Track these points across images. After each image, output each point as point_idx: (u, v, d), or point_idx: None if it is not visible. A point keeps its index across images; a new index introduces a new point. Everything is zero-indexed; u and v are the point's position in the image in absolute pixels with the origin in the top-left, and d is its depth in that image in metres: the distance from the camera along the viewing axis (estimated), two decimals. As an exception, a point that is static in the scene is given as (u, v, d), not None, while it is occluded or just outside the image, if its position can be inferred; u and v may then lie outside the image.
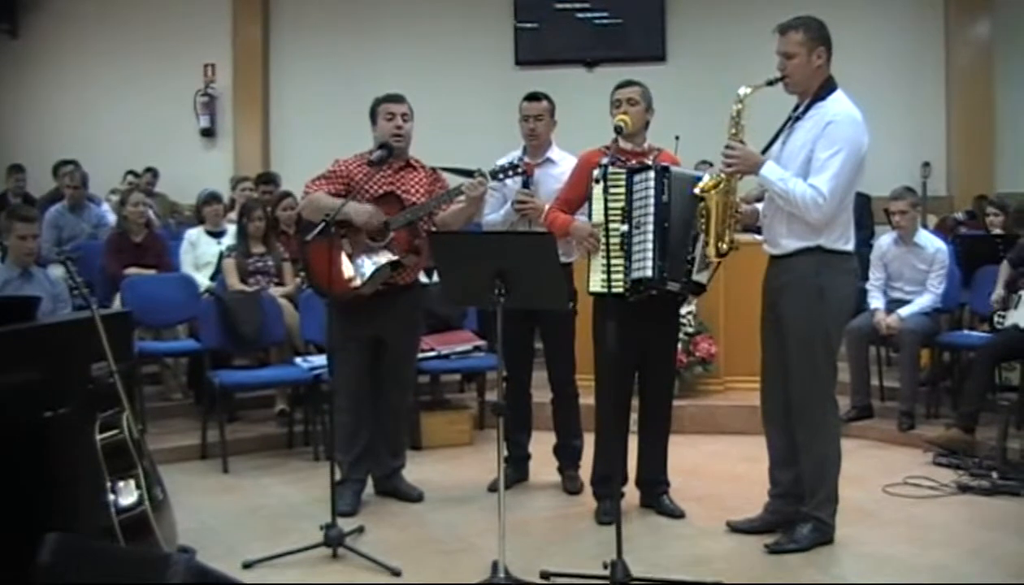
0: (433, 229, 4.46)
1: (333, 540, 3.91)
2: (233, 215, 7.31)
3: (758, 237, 4.20)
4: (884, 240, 6.19)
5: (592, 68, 10.24)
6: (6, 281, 5.21)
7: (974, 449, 5.19)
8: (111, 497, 3.41)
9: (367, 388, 4.57)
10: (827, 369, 3.92)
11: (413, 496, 4.71)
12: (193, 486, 4.94)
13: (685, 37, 10.16)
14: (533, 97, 4.87)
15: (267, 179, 8.26)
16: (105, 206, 8.51)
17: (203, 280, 6.59)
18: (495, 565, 3.47)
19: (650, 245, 3.97)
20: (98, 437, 3.48)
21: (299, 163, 8.59)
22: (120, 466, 3.48)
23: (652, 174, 4.02)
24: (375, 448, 4.64)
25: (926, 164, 9.57)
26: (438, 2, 10.48)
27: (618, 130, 4.19)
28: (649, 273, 3.98)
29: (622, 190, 4.05)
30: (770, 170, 3.82)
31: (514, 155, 4.73)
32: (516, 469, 4.93)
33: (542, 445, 4.97)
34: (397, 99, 4.59)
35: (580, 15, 10.34)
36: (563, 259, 4.15)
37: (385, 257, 4.40)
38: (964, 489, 4.73)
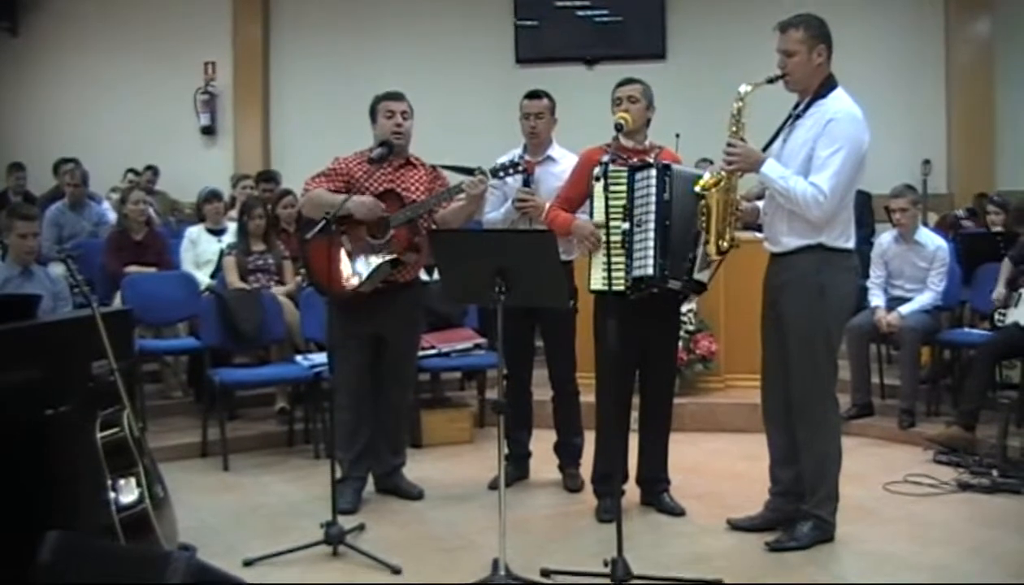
0: (433, 227, 4.46)
1: (333, 538, 3.91)
2: (233, 213, 7.31)
3: (759, 235, 4.20)
4: (885, 238, 6.19)
5: (592, 66, 10.23)
6: (7, 279, 5.21)
7: (974, 447, 5.18)
8: (112, 495, 3.40)
9: (367, 386, 4.57)
10: (828, 367, 3.92)
11: (413, 494, 4.72)
12: (193, 484, 4.94)
13: (685, 35, 10.15)
14: (533, 95, 4.86)
15: (267, 177, 8.25)
16: (105, 204, 8.50)
17: (203, 278, 6.59)
18: (495, 563, 3.47)
19: (651, 243, 3.96)
20: (99, 435, 3.47)
21: (299, 161, 8.56)
22: (121, 464, 3.48)
23: (654, 172, 4.01)
24: (375, 446, 4.64)
25: (926, 162, 9.56)
26: (438, 1, 10.46)
27: (619, 128, 4.18)
28: (650, 271, 3.97)
29: (623, 188, 4.04)
30: (771, 168, 3.82)
31: (515, 153, 4.72)
32: (516, 467, 4.93)
33: (542, 443, 4.97)
34: (397, 97, 4.58)
35: (580, 13, 10.33)
36: (563, 257, 4.15)
37: (385, 255, 4.39)
38: (964, 487, 4.73)
